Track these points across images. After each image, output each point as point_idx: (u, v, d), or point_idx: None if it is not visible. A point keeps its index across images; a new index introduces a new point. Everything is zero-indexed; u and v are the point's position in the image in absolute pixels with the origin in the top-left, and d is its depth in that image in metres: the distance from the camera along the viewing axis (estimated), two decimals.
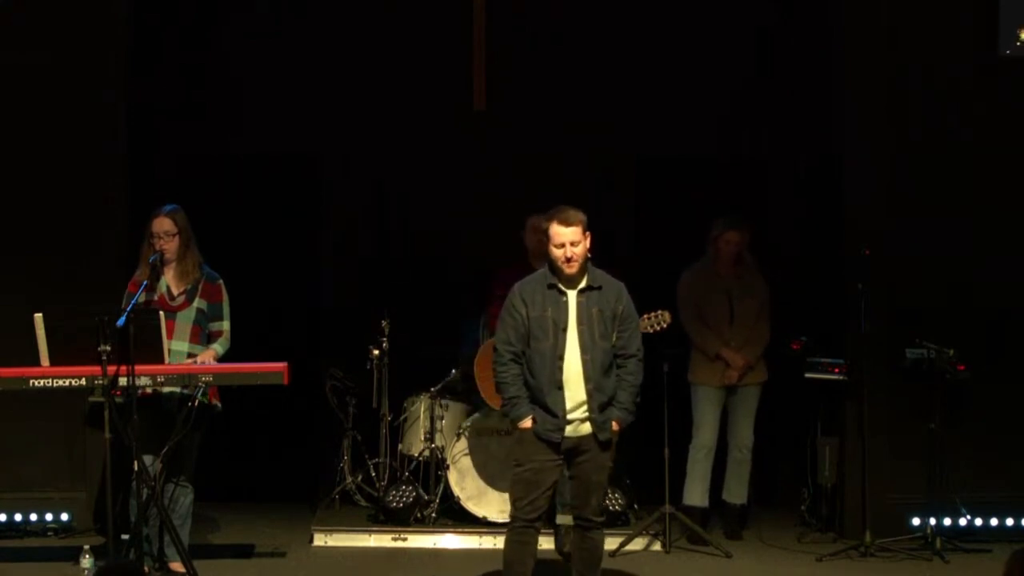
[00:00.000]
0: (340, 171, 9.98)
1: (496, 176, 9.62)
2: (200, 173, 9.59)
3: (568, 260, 6.78)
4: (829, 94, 9.16)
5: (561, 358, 6.78)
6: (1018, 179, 8.81)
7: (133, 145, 8.82)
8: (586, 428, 6.82)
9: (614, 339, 6.86)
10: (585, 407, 6.80)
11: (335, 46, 9.78)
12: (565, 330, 6.80)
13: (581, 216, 6.83)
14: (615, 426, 6.87)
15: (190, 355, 7.55)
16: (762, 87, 9.80)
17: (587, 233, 6.84)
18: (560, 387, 6.77)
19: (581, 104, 9.78)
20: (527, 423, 6.80)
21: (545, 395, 6.78)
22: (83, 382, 7.24)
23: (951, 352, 8.44)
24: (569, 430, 6.80)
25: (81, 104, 8.62)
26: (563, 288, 6.85)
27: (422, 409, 8.91)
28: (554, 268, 6.87)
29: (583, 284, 6.86)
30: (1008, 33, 8.78)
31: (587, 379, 6.78)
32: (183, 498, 7.60)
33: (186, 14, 9.56)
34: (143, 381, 7.20)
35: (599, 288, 6.88)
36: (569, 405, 6.78)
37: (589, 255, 6.89)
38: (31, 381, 7.28)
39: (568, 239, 6.78)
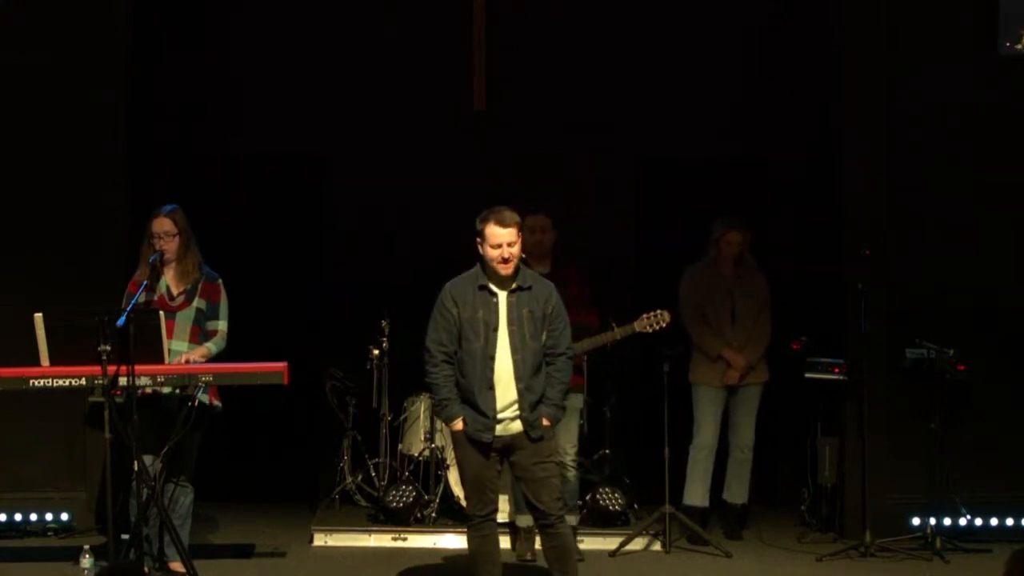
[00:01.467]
0: (340, 171, 9.99)
1: (496, 176, 9.61)
2: (200, 173, 9.60)
3: (505, 261, 6.82)
4: (829, 94, 9.16)
5: (492, 358, 6.82)
6: (1018, 179, 8.81)
7: (133, 145, 8.82)
8: (516, 426, 6.86)
9: (544, 339, 6.88)
10: (516, 406, 6.84)
11: (335, 46, 9.79)
12: (496, 330, 6.83)
13: (517, 218, 6.90)
14: (545, 422, 6.89)
15: None
16: (762, 87, 9.80)
17: (520, 234, 6.91)
18: (491, 387, 6.82)
19: (581, 104, 9.79)
20: (458, 424, 6.87)
21: (476, 395, 6.82)
22: (83, 382, 7.24)
23: (951, 352, 8.44)
24: (499, 429, 6.84)
25: (81, 104, 8.62)
26: (494, 289, 6.88)
27: (422, 409, 8.92)
28: (485, 268, 6.90)
29: (514, 285, 6.89)
30: (1008, 33, 8.78)
31: (518, 379, 6.82)
32: (183, 498, 7.60)
33: (186, 14, 9.56)
34: (143, 381, 7.20)
35: (529, 288, 6.91)
36: (499, 404, 6.83)
37: (523, 255, 6.97)
38: (31, 381, 7.27)
39: (505, 240, 6.81)
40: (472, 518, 6.97)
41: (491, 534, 7.00)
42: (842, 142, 8.95)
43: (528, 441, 6.87)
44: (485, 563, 6.96)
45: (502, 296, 6.89)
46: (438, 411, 7.01)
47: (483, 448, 6.87)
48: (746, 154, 9.91)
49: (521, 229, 6.93)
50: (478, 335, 6.84)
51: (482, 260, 6.92)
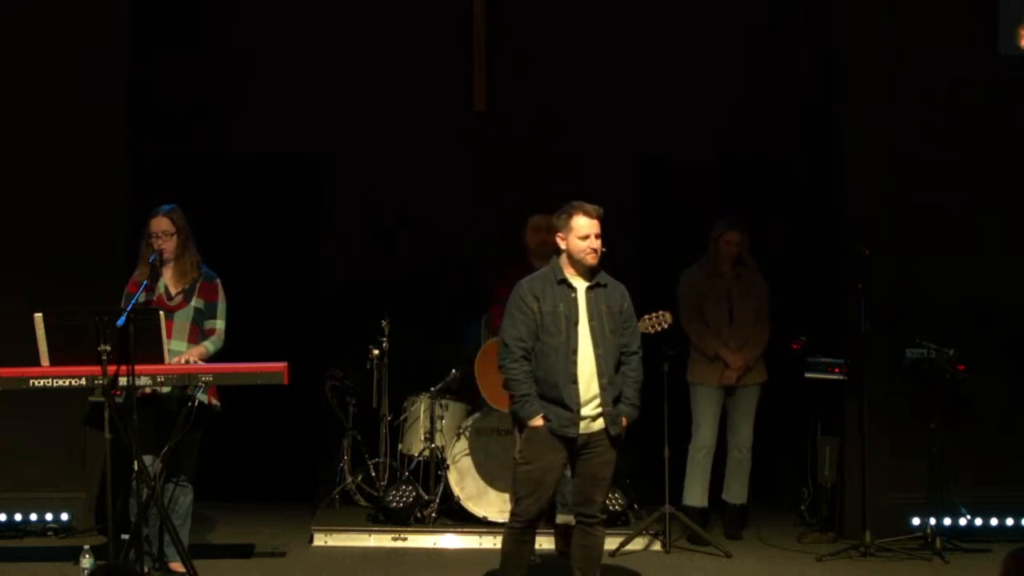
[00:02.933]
0: (340, 171, 10.00)
1: (496, 176, 9.62)
2: (201, 173, 9.60)
3: (594, 251, 6.84)
4: (829, 94, 9.16)
5: (575, 352, 6.80)
6: (1018, 179, 8.81)
7: (133, 145, 8.82)
8: (598, 424, 6.83)
9: (620, 337, 6.90)
10: (598, 401, 6.81)
11: (335, 46, 9.80)
12: (577, 324, 6.82)
13: (601, 210, 6.92)
14: (624, 421, 6.89)
15: None
16: (762, 87, 9.81)
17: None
18: (574, 381, 6.78)
19: (581, 104, 9.80)
20: (539, 421, 6.80)
21: (560, 390, 6.78)
22: (83, 382, 7.23)
23: (951, 352, 8.43)
24: (582, 425, 6.81)
25: (81, 104, 8.62)
26: (573, 283, 6.89)
27: (422, 409, 8.92)
28: (565, 264, 6.91)
29: (592, 281, 6.91)
30: (1008, 33, 8.79)
31: (600, 373, 6.80)
32: (183, 498, 7.60)
33: (187, 14, 9.56)
34: (143, 381, 7.20)
35: (605, 286, 6.93)
36: (583, 399, 6.80)
37: (603, 250, 6.95)
38: (31, 381, 7.26)
39: (593, 231, 6.85)
40: (516, 517, 6.89)
41: (530, 541, 6.98)
42: (842, 142, 8.95)
43: (606, 439, 6.83)
44: (514, 568, 6.93)
45: (580, 291, 6.88)
46: (517, 407, 6.84)
47: (563, 445, 6.79)
48: (746, 154, 9.91)
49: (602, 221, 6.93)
50: (560, 329, 6.81)
51: (558, 256, 6.94)
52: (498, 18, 9.27)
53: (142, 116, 9.00)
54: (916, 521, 8.54)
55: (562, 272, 6.91)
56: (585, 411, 6.80)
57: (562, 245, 6.91)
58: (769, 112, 9.78)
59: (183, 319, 7.56)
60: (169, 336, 7.44)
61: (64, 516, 8.59)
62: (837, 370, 8.69)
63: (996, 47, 8.78)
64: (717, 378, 8.65)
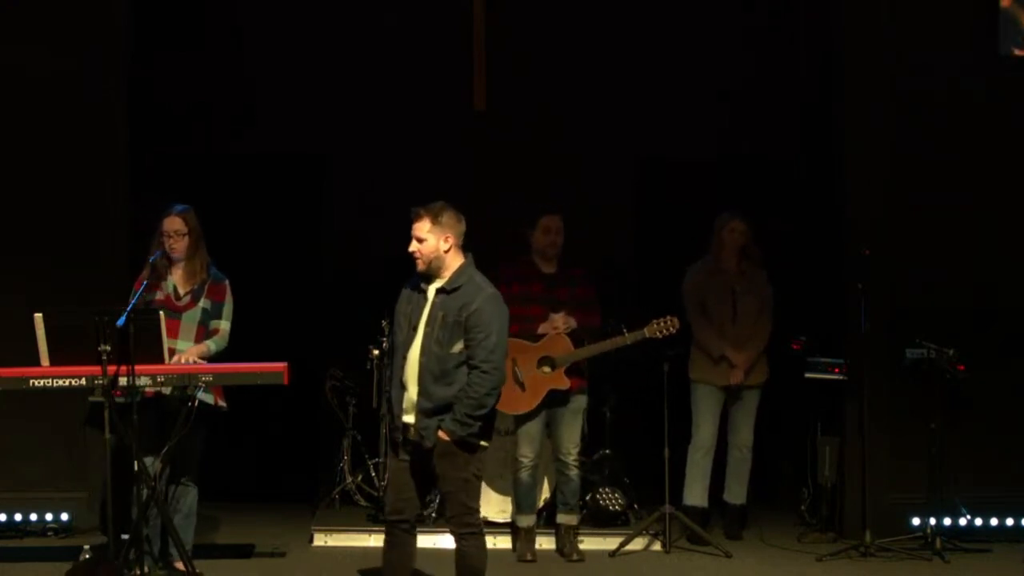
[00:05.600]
0: (340, 171, 9.99)
1: (496, 176, 9.62)
2: (201, 173, 9.60)
3: (413, 255, 6.59)
4: (829, 94, 9.16)
5: (405, 357, 6.61)
6: (1018, 179, 8.81)
7: (133, 145, 8.82)
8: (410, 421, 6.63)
9: (458, 347, 6.50)
10: (415, 410, 6.59)
11: (336, 47, 9.80)
12: (416, 328, 6.59)
13: (435, 211, 6.57)
14: (442, 435, 6.48)
15: None
16: (762, 87, 9.81)
17: (434, 229, 6.55)
18: (403, 386, 6.60)
19: (581, 104, 9.80)
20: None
21: (392, 391, 6.68)
22: (83, 382, 7.23)
23: (951, 352, 8.44)
24: (410, 433, 6.59)
25: (81, 104, 8.63)
26: (424, 286, 6.65)
27: None
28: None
29: (440, 284, 6.61)
30: (1008, 33, 8.79)
31: (417, 382, 6.54)
32: (185, 497, 7.60)
33: (187, 14, 9.56)
34: (143, 381, 7.20)
35: (453, 291, 6.56)
36: (405, 405, 6.59)
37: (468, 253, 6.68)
38: (31, 381, 7.26)
39: (414, 233, 6.56)
40: (385, 521, 6.73)
41: (401, 544, 6.67)
42: (842, 142, 8.96)
43: (425, 449, 6.54)
44: (392, 573, 6.70)
45: (431, 295, 6.63)
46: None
47: (396, 447, 6.66)
48: (746, 154, 9.91)
49: (436, 223, 6.54)
50: (402, 330, 6.64)
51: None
52: (498, 18, 9.28)
53: (142, 116, 8.99)
54: (916, 521, 8.54)
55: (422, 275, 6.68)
56: (407, 418, 6.59)
57: None
58: (769, 112, 9.78)
59: (190, 320, 7.56)
60: (176, 336, 7.46)
61: (64, 516, 8.59)
62: (837, 370, 8.69)
63: (996, 47, 8.79)
64: (719, 376, 8.65)
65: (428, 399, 6.52)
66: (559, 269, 8.33)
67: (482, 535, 6.69)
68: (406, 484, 6.65)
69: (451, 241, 6.59)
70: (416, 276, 6.69)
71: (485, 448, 6.66)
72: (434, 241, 6.55)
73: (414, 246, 6.57)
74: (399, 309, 6.69)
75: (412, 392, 6.57)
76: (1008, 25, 8.78)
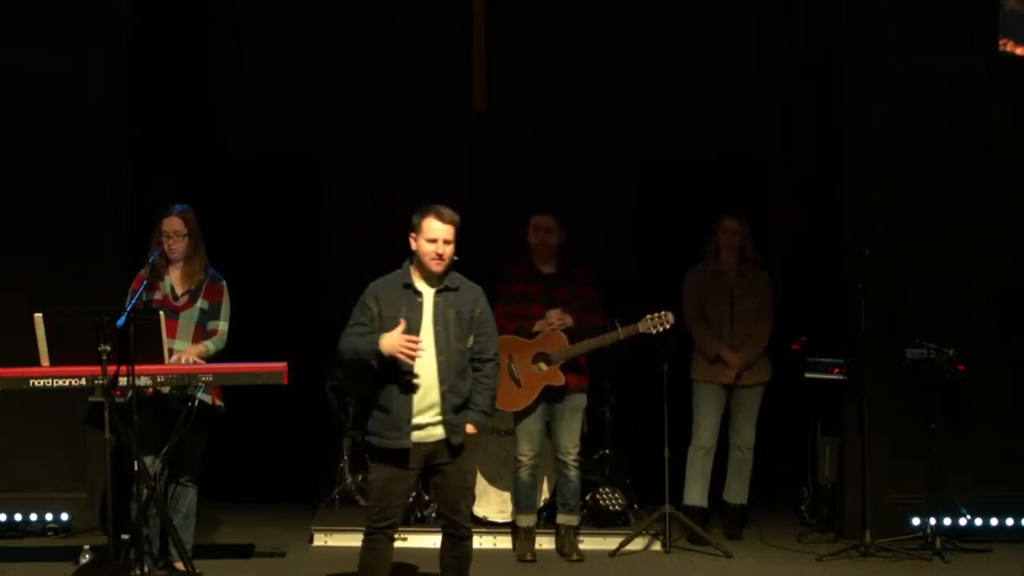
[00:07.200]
0: (340, 171, 10.00)
1: (496, 176, 9.62)
2: (201, 173, 9.60)
3: (439, 257, 6.58)
4: (829, 94, 9.16)
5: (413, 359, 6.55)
6: (1018, 179, 8.81)
7: (133, 145, 8.82)
8: (438, 432, 6.57)
9: (470, 342, 6.62)
10: (437, 409, 6.55)
11: (336, 46, 9.81)
12: (419, 331, 6.55)
13: (457, 217, 6.64)
14: (470, 428, 6.61)
15: None
16: (762, 87, 9.81)
17: (456, 234, 6.63)
18: (407, 389, 6.52)
19: (580, 104, 9.80)
20: (390, 340, 6.47)
21: (391, 398, 6.53)
22: (83, 382, 7.22)
23: (951, 352, 8.44)
24: (420, 435, 6.54)
25: (81, 104, 8.63)
26: (419, 288, 6.65)
27: None
28: (415, 266, 6.66)
29: (442, 284, 6.64)
30: (1008, 33, 8.79)
31: (441, 380, 6.53)
32: (185, 497, 7.60)
33: (187, 14, 9.56)
34: (143, 381, 7.19)
35: (456, 289, 6.64)
36: (417, 408, 6.54)
37: (456, 258, 6.67)
38: (31, 381, 7.26)
39: (442, 236, 6.58)
40: (370, 527, 6.65)
41: (383, 550, 6.67)
42: (842, 142, 8.95)
43: (449, 449, 6.58)
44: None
45: (428, 296, 6.63)
46: (369, 344, 6.48)
47: (398, 457, 6.55)
48: (746, 154, 9.91)
49: (457, 228, 6.60)
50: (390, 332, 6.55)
51: (410, 258, 6.68)
52: (498, 18, 9.28)
53: (142, 116, 8.99)
54: (916, 521, 8.54)
55: (409, 276, 6.64)
56: (421, 420, 6.55)
57: (413, 246, 6.64)
58: (769, 112, 9.78)
59: (188, 320, 7.57)
60: (174, 336, 7.46)
61: (64, 516, 8.59)
62: (837, 370, 8.69)
63: (996, 47, 8.79)
64: (719, 376, 8.65)
65: (456, 394, 6.58)
66: (559, 268, 8.33)
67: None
68: (404, 492, 6.70)
69: None
70: (392, 278, 6.67)
71: None
72: (452, 247, 6.63)
73: (441, 248, 6.59)
74: (384, 314, 6.56)
75: (433, 392, 6.55)
76: (1010, 21, 8.78)
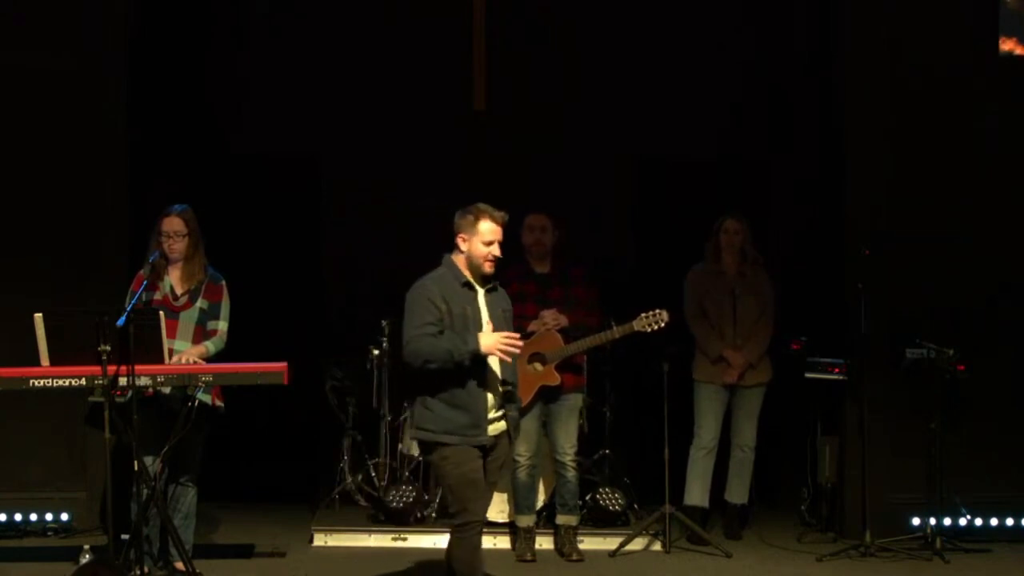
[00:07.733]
0: (340, 171, 9.99)
1: (496, 176, 9.61)
2: (201, 173, 9.60)
3: (493, 259, 6.67)
4: (830, 95, 9.16)
5: (485, 356, 6.61)
6: (1018, 179, 8.81)
7: (133, 145, 8.82)
8: (501, 426, 6.69)
9: None
10: (499, 404, 6.68)
11: (336, 46, 9.80)
12: (480, 328, 6.65)
13: (506, 217, 6.74)
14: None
15: None
16: (762, 87, 9.81)
17: None
18: (482, 385, 6.62)
19: (581, 104, 9.80)
20: (490, 336, 6.57)
21: (467, 395, 6.59)
22: (83, 382, 7.22)
23: (951, 352, 8.43)
24: (491, 430, 6.66)
25: (81, 104, 8.63)
26: (475, 285, 6.73)
27: None
28: (463, 266, 6.71)
29: (491, 284, 6.78)
30: (1008, 33, 8.79)
31: (505, 376, 6.69)
32: (185, 497, 7.61)
33: (187, 14, 9.56)
34: (143, 381, 7.19)
35: (496, 289, 6.82)
36: (489, 403, 6.65)
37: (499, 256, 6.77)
38: (31, 381, 7.26)
39: (497, 238, 6.68)
40: (469, 524, 6.69)
41: (479, 544, 6.83)
42: (843, 142, 8.95)
43: (506, 441, 6.75)
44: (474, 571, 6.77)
45: (481, 294, 6.76)
46: (458, 356, 6.50)
47: (477, 453, 6.64)
48: (746, 154, 9.91)
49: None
50: (468, 331, 6.62)
51: (452, 255, 6.74)
52: (498, 18, 9.28)
53: (142, 116, 8.99)
54: (916, 521, 8.54)
55: (464, 275, 6.71)
56: (491, 415, 6.66)
57: (463, 247, 6.69)
58: (769, 112, 9.78)
59: (188, 320, 7.57)
60: (174, 336, 7.46)
61: (64, 516, 8.59)
62: (837, 370, 8.69)
63: (996, 47, 8.79)
64: (721, 376, 8.65)
65: (516, 389, 6.79)
66: (554, 268, 8.34)
67: None
68: (486, 486, 6.77)
69: None
70: (445, 276, 6.70)
71: None
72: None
73: (496, 250, 6.69)
74: (453, 311, 6.62)
75: (496, 388, 6.66)
76: (1010, 21, 8.78)
